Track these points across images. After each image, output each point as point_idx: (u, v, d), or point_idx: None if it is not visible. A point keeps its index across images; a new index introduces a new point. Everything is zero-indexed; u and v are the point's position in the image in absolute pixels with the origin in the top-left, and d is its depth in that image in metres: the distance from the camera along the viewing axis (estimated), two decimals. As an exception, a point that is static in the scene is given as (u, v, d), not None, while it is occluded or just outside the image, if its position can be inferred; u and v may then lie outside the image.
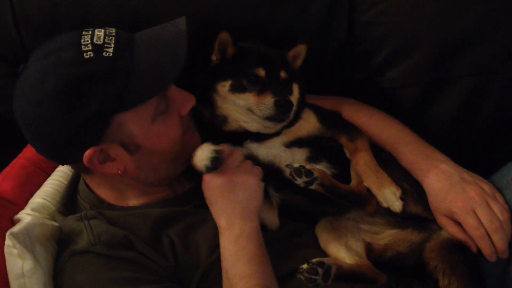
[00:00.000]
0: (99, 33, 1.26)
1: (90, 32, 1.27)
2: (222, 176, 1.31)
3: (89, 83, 1.21)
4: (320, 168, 1.45)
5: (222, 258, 1.31)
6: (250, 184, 1.33)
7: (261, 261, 1.29)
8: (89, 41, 1.24)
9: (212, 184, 1.32)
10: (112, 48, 1.23)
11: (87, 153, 1.27)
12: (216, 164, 1.29)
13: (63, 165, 1.46)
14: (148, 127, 1.30)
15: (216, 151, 1.30)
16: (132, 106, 1.25)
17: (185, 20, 1.32)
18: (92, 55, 1.22)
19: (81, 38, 1.25)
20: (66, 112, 1.22)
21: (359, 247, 1.44)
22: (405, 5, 1.67)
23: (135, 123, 1.28)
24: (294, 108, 1.45)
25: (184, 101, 1.38)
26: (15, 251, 1.30)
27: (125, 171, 1.35)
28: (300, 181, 1.33)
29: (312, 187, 1.34)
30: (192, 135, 1.44)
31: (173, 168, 1.43)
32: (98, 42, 1.24)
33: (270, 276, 1.29)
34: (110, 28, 1.31)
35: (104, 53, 1.22)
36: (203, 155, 1.31)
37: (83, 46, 1.23)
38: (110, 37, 1.26)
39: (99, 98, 1.21)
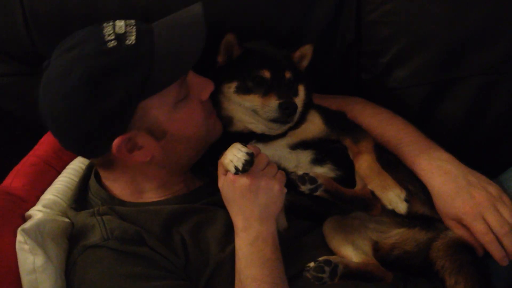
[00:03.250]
0: (120, 23, 1.31)
1: (111, 23, 1.32)
2: (247, 178, 1.30)
3: (114, 72, 1.25)
4: (325, 170, 1.47)
5: (236, 258, 1.31)
6: (274, 189, 1.32)
7: (275, 266, 1.29)
8: (112, 31, 1.29)
9: (236, 184, 1.31)
10: (134, 37, 1.28)
11: (116, 142, 1.30)
12: (247, 168, 1.28)
13: (89, 158, 1.47)
14: (171, 113, 1.34)
15: (249, 154, 1.28)
16: (156, 92, 1.29)
17: (201, 5, 1.35)
18: (115, 44, 1.26)
19: (103, 30, 1.30)
20: (93, 102, 1.25)
21: (366, 245, 1.44)
22: (413, 5, 1.68)
23: (159, 109, 1.32)
24: (300, 109, 1.46)
25: (203, 87, 1.41)
26: (26, 247, 1.31)
27: (152, 158, 1.38)
28: (304, 188, 1.33)
29: (317, 193, 1.35)
30: (215, 120, 1.47)
31: (196, 154, 1.46)
32: (120, 32, 1.29)
33: (282, 281, 1.29)
34: (129, 20, 1.35)
35: (127, 41, 1.27)
36: (235, 156, 1.29)
37: (106, 36, 1.27)
38: (131, 27, 1.31)
39: (124, 86, 1.25)
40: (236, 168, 1.28)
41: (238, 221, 1.32)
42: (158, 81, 1.28)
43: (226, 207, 1.35)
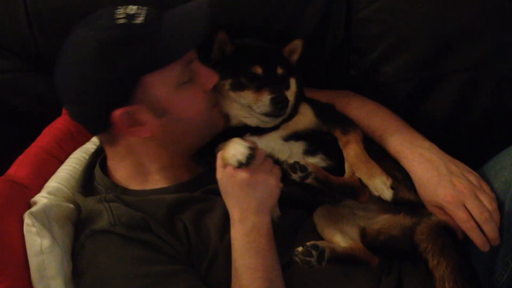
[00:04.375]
0: (133, 7, 1.41)
1: (124, 6, 1.41)
2: (246, 172, 1.34)
3: (121, 44, 1.33)
4: (316, 160, 1.52)
5: (232, 248, 1.35)
6: (270, 184, 1.37)
7: (268, 256, 1.33)
8: (123, 11, 1.38)
9: (235, 178, 1.34)
10: (142, 17, 1.37)
11: (117, 112, 1.36)
12: (250, 161, 1.32)
13: (95, 133, 1.55)
14: (173, 93, 1.40)
15: (252, 149, 1.32)
16: (158, 68, 1.36)
17: None
18: (124, 21, 1.35)
19: (116, 9, 1.39)
20: (100, 70, 1.34)
21: (353, 232, 1.48)
22: (400, 3, 1.73)
23: (160, 86, 1.38)
24: (292, 102, 1.51)
25: (207, 77, 1.46)
26: (34, 229, 1.36)
27: (152, 136, 1.43)
28: (295, 176, 1.38)
29: (307, 181, 1.39)
30: (218, 114, 1.51)
31: (197, 140, 1.51)
32: (130, 12, 1.38)
33: (275, 270, 1.33)
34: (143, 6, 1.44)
35: (135, 21, 1.36)
36: (237, 150, 1.33)
37: (116, 15, 1.37)
38: (142, 10, 1.40)
39: (129, 59, 1.33)
40: (239, 162, 1.31)
41: (235, 213, 1.36)
42: (161, 58, 1.35)
43: (223, 198, 1.39)
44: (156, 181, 1.51)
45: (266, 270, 1.31)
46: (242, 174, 1.34)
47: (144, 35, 1.34)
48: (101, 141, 1.55)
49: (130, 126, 1.40)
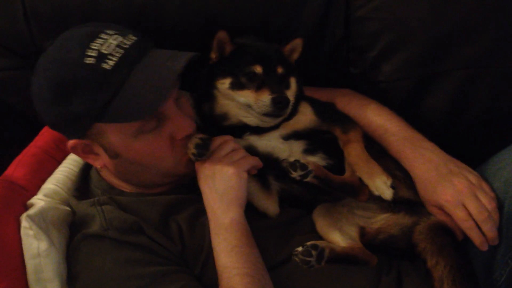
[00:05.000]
0: (113, 41, 1.28)
1: (106, 37, 1.28)
2: (206, 164, 1.37)
3: (79, 87, 1.26)
4: (316, 159, 1.52)
5: (212, 249, 1.37)
6: (228, 173, 1.35)
7: (242, 252, 1.32)
8: (98, 47, 1.26)
9: (199, 172, 1.39)
10: (113, 62, 1.25)
11: (71, 142, 1.38)
12: (201, 151, 1.35)
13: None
14: (129, 141, 1.34)
15: (201, 139, 1.36)
16: (112, 122, 1.30)
17: (191, 56, 1.30)
18: (92, 61, 1.25)
19: (94, 40, 1.27)
20: (55, 103, 1.30)
21: (352, 231, 1.49)
22: (399, 2, 1.73)
23: (115, 134, 1.33)
24: (292, 101, 1.50)
25: (181, 127, 1.37)
26: (31, 232, 1.36)
27: (106, 167, 1.44)
28: (295, 174, 1.38)
29: (307, 179, 1.39)
30: (187, 161, 1.42)
31: (160, 179, 1.47)
32: (105, 52, 1.26)
33: (253, 265, 1.31)
34: (131, 37, 1.31)
35: (104, 64, 1.25)
36: (191, 144, 1.38)
37: (89, 51, 1.25)
38: (120, 49, 1.27)
39: (84, 104, 1.26)
40: (193, 154, 1.36)
41: (208, 212, 1.38)
42: (116, 113, 1.26)
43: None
44: (147, 191, 1.52)
45: (244, 266, 1.30)
46: (203, 166, 1.38)
47: (105, 84, 1.24)
48: None
49: (85, 153, 1.41)
